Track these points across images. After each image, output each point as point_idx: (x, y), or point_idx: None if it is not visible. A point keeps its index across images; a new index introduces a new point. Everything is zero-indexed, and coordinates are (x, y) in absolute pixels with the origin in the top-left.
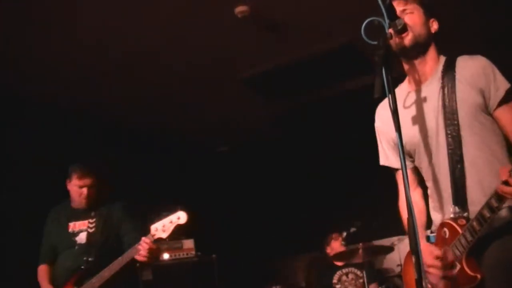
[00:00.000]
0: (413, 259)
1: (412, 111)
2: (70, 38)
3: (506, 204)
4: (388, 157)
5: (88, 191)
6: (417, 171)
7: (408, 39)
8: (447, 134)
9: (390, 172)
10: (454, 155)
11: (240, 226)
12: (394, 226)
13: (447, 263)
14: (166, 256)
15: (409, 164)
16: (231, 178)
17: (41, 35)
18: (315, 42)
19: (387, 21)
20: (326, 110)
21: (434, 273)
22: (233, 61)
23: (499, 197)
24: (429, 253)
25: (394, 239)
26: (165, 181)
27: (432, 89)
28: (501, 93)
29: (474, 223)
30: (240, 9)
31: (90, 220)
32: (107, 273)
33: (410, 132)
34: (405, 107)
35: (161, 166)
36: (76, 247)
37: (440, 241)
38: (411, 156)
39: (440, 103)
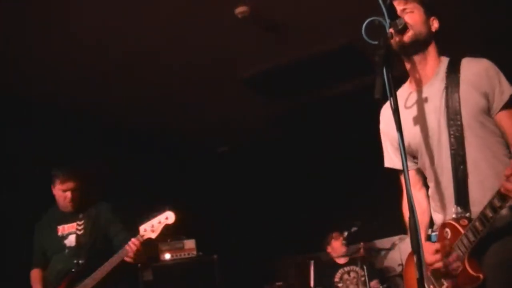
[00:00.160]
0: (415, 258)
1: (414, 110)
2: (70, 38)
3: (508, 204)
4: (392, 158)
5: (72, 195)
6: (421, 172)
7: (408, 35)
8: (449, 135)
9: (392, 173)
10: (456, 156)
11: (241, 226)
12: (395, 226)
13: (449, 262)
14: (167, 256)
15: (413, 165)
16: (231, 178)
17: (41, 35)
18: (315, 43)
19: (387, 20)
20: (326, 110)
21: (437, 267)
22: (233, 61)
23: (502, 196)
24: (430, 251)
25: (395, 238)
26: (165, 181)
27: (434, 90)
28: (505, 97)
29: (477, 223)
30: (240, 9)
31: (79, 222)
32: (98, 274)
33: (412, 132)
34: (406, 107)
35: (161, 166)
36: (67, 250)
37: (442, 242)
38: (415, 157)
39: (443, 103)
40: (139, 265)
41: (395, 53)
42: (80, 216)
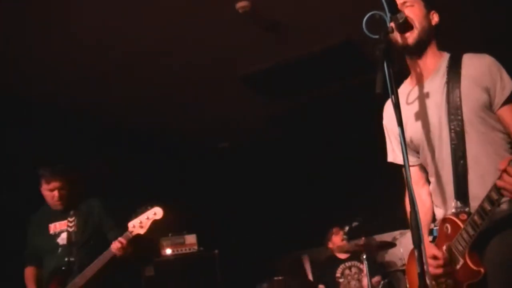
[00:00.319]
0: (416, 253)
1: (415, 106)
2: (70, 38)
3: (506, 197)
4: (395, 153)
5: (59, 193)
6: (424, 168)
7: (412, 37)
8: (450, 130)
9: (392, 170)
10: (457, 151)
11: (242, 223)
12: (396, 221)
13: (450, 259)
14: (168, 251)
15: (416, 161)
16: (232, 176)
17: (41, 35)
18: (314, 41)
19: (388, 14)
20: (326, 110)
21: (436, 272)
22: (233, 61)
23: (499, 190)
24: (430, 252)
25: (396, 233)
26: (166, 181)
27: (435, 85)
28: (507, 92)
29: (475, 217)
30: (241, 4)
31: (70, 219)
32: (89, 272)
33: (414, 127)
34: (408, 103)
35: (161, 166)
36: (60, 249)
37: (442, 237)
38: (418, 153)
39: (444, 98)
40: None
41: (395, 48)
42: (71, 213)
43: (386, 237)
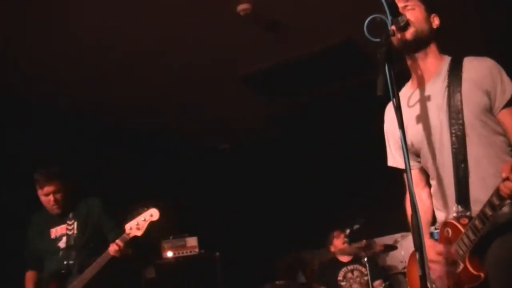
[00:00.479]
0: (417, 256)
1: (416, 109)
2: (70, 38)
3: (508, 201)
4: (395, 157)
5: (54, 197)
6: (425, 171)
7: (410, 32)
8: (451, 133)
9: (393, 171)
10: (458, 154)
11: (242, 225)
12: (396, 224)
13: (450, 261)
14: (169, 253)
15: (416, 164)
16: (232, 177)
17: (41, 35)
18: (314, 41)
19: (389, 18)
20: (326, 110)
21: (436, 268)
22: (233, 61)
23: (501, 195)
24: (432, 249)
25: (397, 236)
26: (166, 181)
27: (436, 88)
28: (507, 96)
29: (476, 222)
30: (242, 7)
31: (69, 222)
32: (87, 274)
33: (414, 131)
34: (409, 106)
35: (161, 166)
36: (61, 252)
37: (443, 241)
38: (418, 156)
39: (445, 102)
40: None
41: (397, 51)
42: (70, 215)
43: (388, 239)
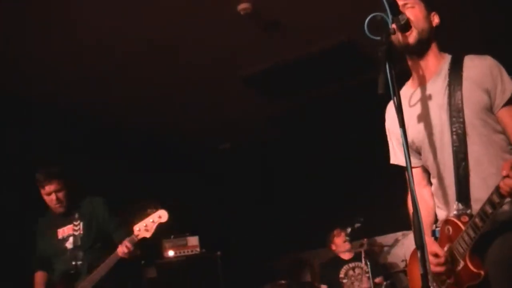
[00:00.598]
0: (418, 254)
1: (417, 108)
2: (70, 38)
3: (508, 199)
4: (397, 155)
5: (56, 196)
6: (426, 170)
7: (412, 36)
8: (452, 132)
9: (393, 170)
10: (458, 153)
11: (243, 224)
12: (397, 222)
13: (451, 260)
14: (171, 253)
15: (418, 162)
16: (231, 177)
17: (41, 35)
18: (313, 41)
19: (390, 16)
20: (325, 110)
21: (437, 270)
22: (233, 61)
23: (501, 193)
24: (431, 250)
25: (399, 234)
26: (166, 181)
27: (437, 87)
28: (507, 95)
29: (477, 220)
30: (243, 6)
31: (75, 223)
32: (96, 275)
33: (416, 129)
34: (410, 105)
35: (162, 166)
36: (68, 253)
37: (444, 239)
38: (420, 154)
39: (446, 100)
40: (142, 262)
41: (397, 49)
42: (76, 216)
43: (389, 238)
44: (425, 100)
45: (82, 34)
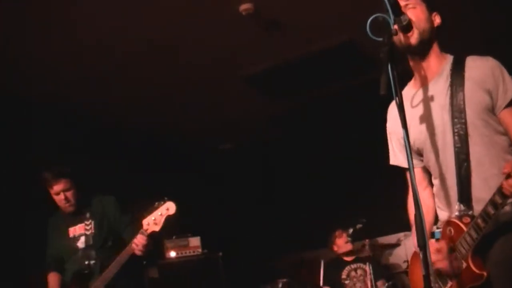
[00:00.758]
0: (421, 255)
1: (419, 109)
2: (70, 38)
3: (510, 200)
4: (397, 156)
5: (64, 195)
6: (427, 171)
7: (414, 37)
8: (454, 132)
9: (394, 171)
10: (460, 153)
11: (244, 225)
12: (399, 223)
13: (453, 260)
14: (172, 254)
15: (419, 163)
16: (233, 177)
17: (41, 35)
18: (314, 41)
19: (392, 17)
20: (326, 110)
21: (440, 266)
22: (234, 61)
23: (503, 193)
24: (432, 250)
25: (401, 235)
26: (166, 181)
27: (439, 87)
28: (509, 96)
29: (479, 221)
30: (245, 6)
31: (87, 222)
32: (109, 274)
33: (418, 130)
34: (412, 105)
35: (162, 166)
36: (80, 252)
37: (445, 240)
38: (421, 155)
39: (448, 101)
40: (144, 262)
41: (399, 50)
42: (87, 215)
43: (391, 239)
44: (427, 100)
45: (82, 34)
